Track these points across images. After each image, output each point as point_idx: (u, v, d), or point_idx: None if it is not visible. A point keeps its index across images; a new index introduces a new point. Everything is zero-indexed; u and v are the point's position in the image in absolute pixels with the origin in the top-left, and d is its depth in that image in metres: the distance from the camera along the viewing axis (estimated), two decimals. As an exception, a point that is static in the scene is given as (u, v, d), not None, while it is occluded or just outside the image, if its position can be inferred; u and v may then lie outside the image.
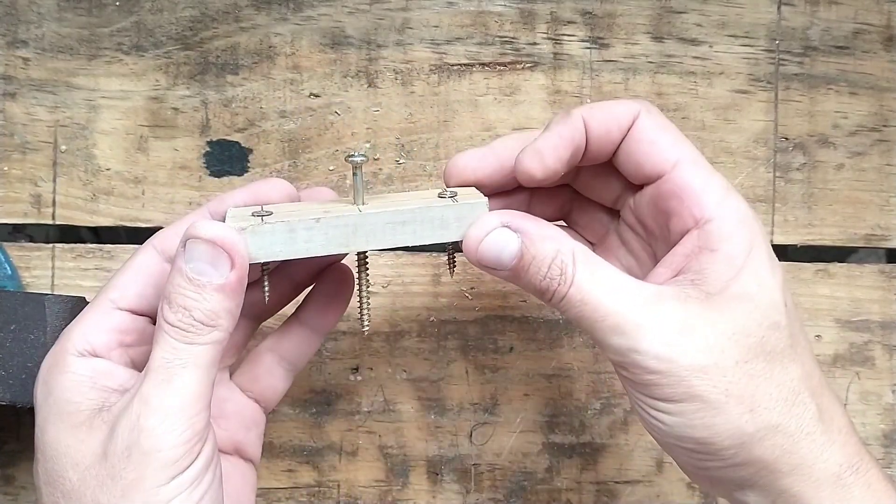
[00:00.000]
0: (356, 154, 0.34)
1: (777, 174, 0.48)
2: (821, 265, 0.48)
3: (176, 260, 0.32)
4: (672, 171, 0.34)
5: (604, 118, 0.34)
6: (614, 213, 0.38)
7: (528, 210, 0.37)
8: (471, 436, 0.46)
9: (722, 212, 0.34)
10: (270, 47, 0.45)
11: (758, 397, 0.32)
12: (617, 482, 0.47)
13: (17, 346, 0.39)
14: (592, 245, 0.39)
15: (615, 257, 0.38)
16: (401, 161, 0.46)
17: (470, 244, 0.34)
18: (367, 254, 0.36)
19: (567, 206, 0.39)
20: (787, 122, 0.48)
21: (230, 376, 0.39)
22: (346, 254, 0.36)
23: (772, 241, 0.48)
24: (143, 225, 0.45)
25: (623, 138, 0.35)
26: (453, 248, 0.36)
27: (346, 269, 0.39)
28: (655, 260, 0.37)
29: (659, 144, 0.34)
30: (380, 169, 0.46)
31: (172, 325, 0.32)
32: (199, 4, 0.45)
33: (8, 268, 0.44)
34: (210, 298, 0.32)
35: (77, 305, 0.40)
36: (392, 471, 0.46)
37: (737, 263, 0.33)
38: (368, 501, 0.46)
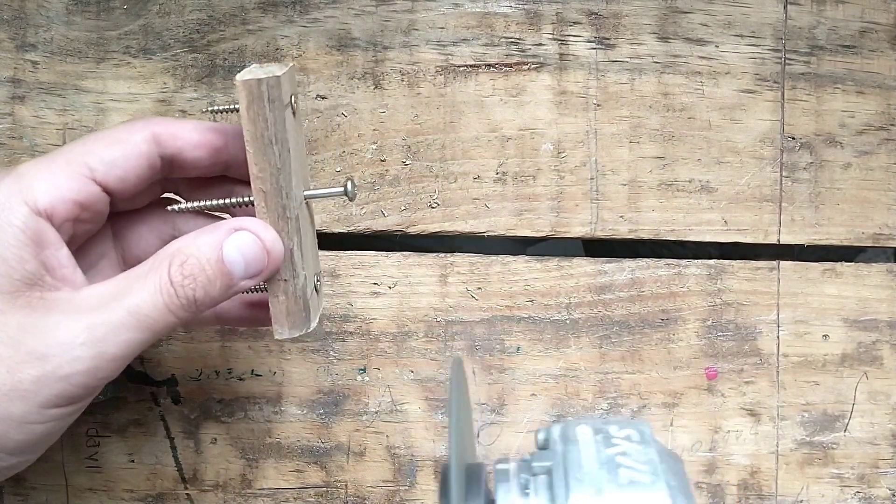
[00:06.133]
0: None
1: (784, 174, 0.48)
2: (828, 264, 0.48)
3: (215, 233, 0.32)
4: None
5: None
6: None
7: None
8: (478, 436, 0.47)
9: None
10: (277, 49, 0.45)
11: None
12: (624, 482, 0.47)
13: None
14: None
15: None
16: (407, 162, 0.46)
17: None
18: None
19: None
20: (793, 122, 0.48)
21: None
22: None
23: (778, 240, 0.48)
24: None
25: None
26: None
27: None
28: None
29: None
30: (386, 170, 0.46)
31: (171, 285, 0.31)
32: (207, 7, 0.45)
33: None
34: (221, 289, 0.32)
35: None
36: (399, 471, 0.46)
37: None
38: (376, 501, 0.46)
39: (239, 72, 0.33)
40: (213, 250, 0.32)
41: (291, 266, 0.34)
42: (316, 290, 0.37)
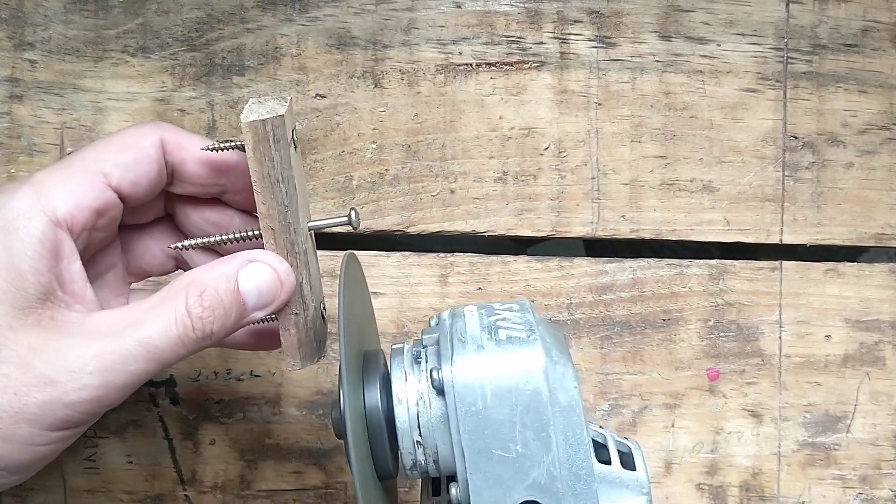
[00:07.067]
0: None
1: (786, 173, 0.47)
2: (830, 264, 0.48)
3: (230, 263, 0.32)
4: None
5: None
6: None
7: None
8: (478, 437, 0.46)
9: None
10: (276, 48, 0.45)
11: None
12: (625, 483, 0.47)
13: None
14: None
15: None
16: (407, 162, 0.46)
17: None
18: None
19: None
20: (795, 121, 0.47)
21: None
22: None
23: (781, 240, 0.48)
24: (150, 226, 0.45)
25: None
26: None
27: None
28: None
29: None
30: (386, 170, 0.46)
31: (189, 316, 0.31)
32: (205, 6, 0.45)
33: None
34: (235, 320, 0.32)
35: None
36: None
37: None
38: (376, 503, 0.46)
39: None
40: (229, 281, 0.32)
41: (301, 299, 0.34)
42: (322, 318, 0.37)
